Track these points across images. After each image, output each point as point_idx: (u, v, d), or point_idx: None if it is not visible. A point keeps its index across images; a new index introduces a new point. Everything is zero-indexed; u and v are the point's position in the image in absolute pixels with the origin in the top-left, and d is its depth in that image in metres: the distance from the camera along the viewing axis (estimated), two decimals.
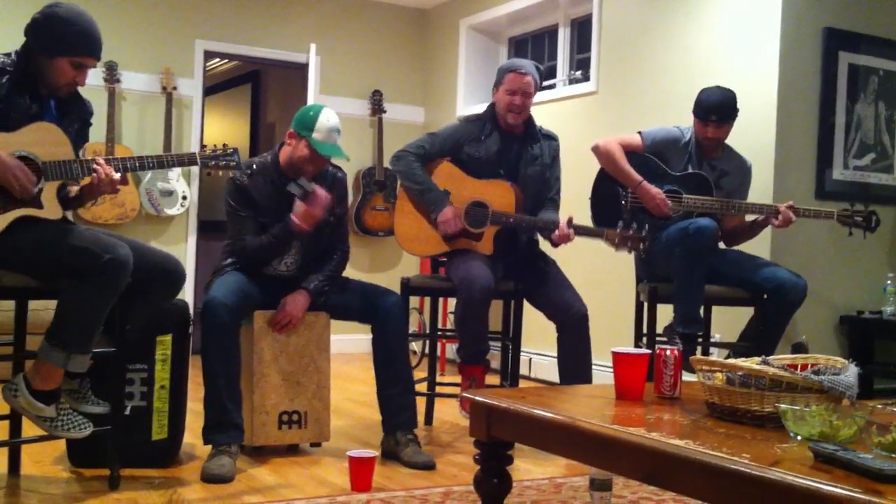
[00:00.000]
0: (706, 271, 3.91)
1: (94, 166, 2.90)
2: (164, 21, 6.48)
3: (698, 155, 4.11)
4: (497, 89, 3.97)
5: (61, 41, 2.88)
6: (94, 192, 2.99)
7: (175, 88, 6.41)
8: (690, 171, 4.08)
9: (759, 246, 4.37)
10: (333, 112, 3.60)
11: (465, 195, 3.90)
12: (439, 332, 4.76)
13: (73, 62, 2.91)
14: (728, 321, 4.44)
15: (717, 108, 4.00)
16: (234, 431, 3.36)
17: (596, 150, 4.16)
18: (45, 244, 2.82)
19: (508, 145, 3.98)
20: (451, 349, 6.49)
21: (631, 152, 4.11)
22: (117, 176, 2.93)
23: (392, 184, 6.83)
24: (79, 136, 3.08)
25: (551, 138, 4.08)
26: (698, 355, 3.57)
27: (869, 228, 4.07)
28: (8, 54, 2.91)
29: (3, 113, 2.83)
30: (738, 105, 4.05)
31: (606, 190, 4.12)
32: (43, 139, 2.87)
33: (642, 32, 5.41)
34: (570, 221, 3.80)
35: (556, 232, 3.79)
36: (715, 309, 4.34)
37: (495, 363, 4.56)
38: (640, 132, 4.17)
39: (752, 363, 2.14)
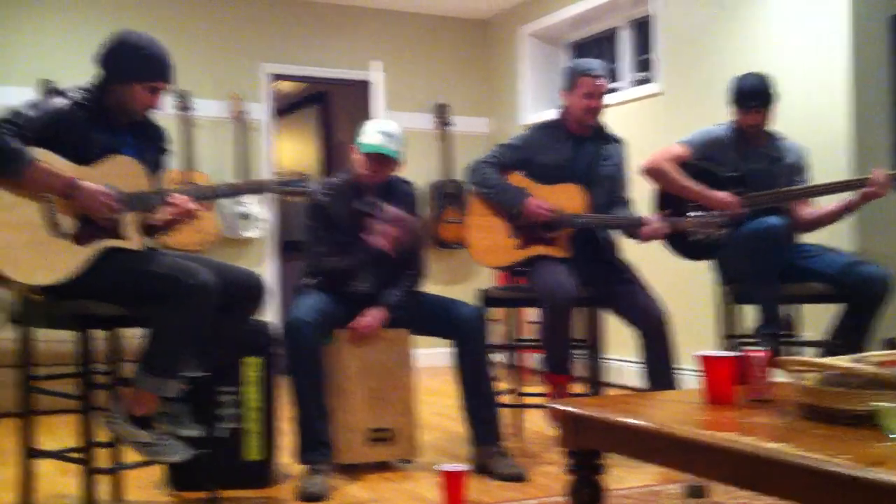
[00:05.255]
0: (781, 269, 3.84)
1: (170, 200, 2.97)
2: (230, 47, 6.63)
3: (744, 147, 4.04)
4: (570, 92, 3.96)
5: (135, 67, 2.95)
6: (173, 223, 3.07)
7: (245, 113, 6.54)
8: (745, 168, 4.00)
9: (840, 236, 4.29)
10: (388, 121, 3.73)
11: None
12: (521, 343, 4.76)
13: (149, 87, 2.97)
14: (818, 319, 4.36)
15: (757, 93, 3.92)
16: (325, 450, 3.42)
17: (645, 172, 4.07)
18: (129, 273, 2.90)
19: (580, 148, 4.00)
20: (533, 359, 6.47)
21: (679, 164, 4.02)
22: (194, 206, 3.01)
23: (463, 195, 6.86)
24: (158, 164, 3.16)
25: (619, 141, 4.10)
26: (788, 355, 3.52)
27: None
28: (83, 88, 2.98)
29: (83, 147, 2.90)
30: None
31: (667, 208, 4.00)
32: (120, 172, 2.95)
33: (705, 29, 5.36)
34: (664, 215, 3.78)
35: (645, 228, 3.78)
36: (804, 307, 4.26)
37: (579, 371, 4.55)
38: (681, 141, 4.08)
39: (844, 361, 2.11)
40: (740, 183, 3.98)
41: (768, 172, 3.97)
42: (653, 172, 4.05)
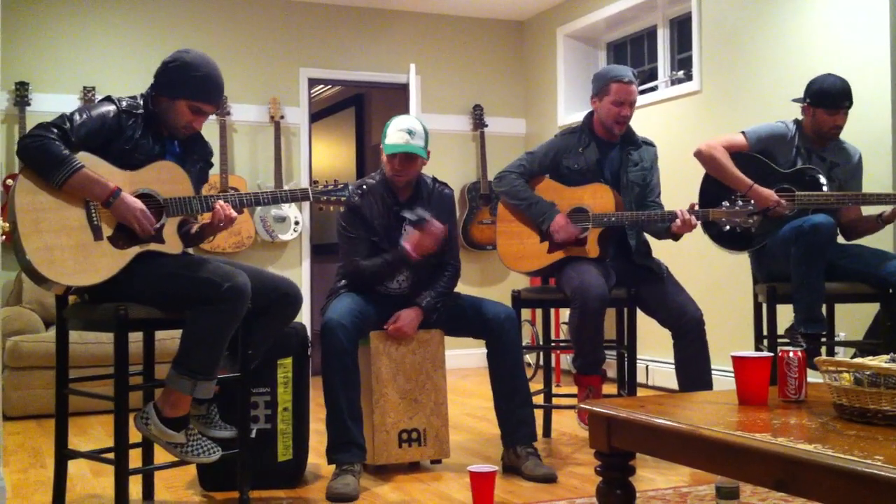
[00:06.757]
0: (825, 268, 3.78)
1: (214, 205, 3.01)
2: (269, 52, 6.67)
3: (807, 148, 3.98)
4: (599, 99, 3.93)
5: (183, 84, 3.02)
6: (213, 229, 3.10)
7: (283, 117, 6.58)
8: (800, 165, 3.94)
9: (882, 238, 4.21)
10: (409, 117, 3.68)
11: (564, 204, 3.90)
12: (553, 344, 4.74)
13: (191, 106, 3.03)
14: (853, 318, 4.29)
15: (847, 93, 3.86)
16: (356, 450, 3.41)
17: (699, 155, 4.03)
18: (167, 277, 2.93)
19: (607, 153, 3.96)
20: (565, 360, 6.45)
21: (735, 153, 3.98)
22: (235, 214, 3.04)
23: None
24: (200, 176, 3.21)
25: (649, 144, 4.06)
26: (823, 356, 3.46)
27: None
28: (134, 97, 3.06)
29: (129, 153, 2.97)
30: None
31: (713, 197, 3.94)
32: (164, 177, 3.01)
33: (744, 26, 5.30)
34: (691, 208, 3.74)
35: (678, 221, 3.73)
36: (838, 306, 4.20)
37: (611, 372, 4.51)
38: (743, 132, 4.03)
39: (880, 361, 2.07)
40: (792, 181, 3.91)
41: (825, 175, 3.90)
42: (705, 156, 4.00)
